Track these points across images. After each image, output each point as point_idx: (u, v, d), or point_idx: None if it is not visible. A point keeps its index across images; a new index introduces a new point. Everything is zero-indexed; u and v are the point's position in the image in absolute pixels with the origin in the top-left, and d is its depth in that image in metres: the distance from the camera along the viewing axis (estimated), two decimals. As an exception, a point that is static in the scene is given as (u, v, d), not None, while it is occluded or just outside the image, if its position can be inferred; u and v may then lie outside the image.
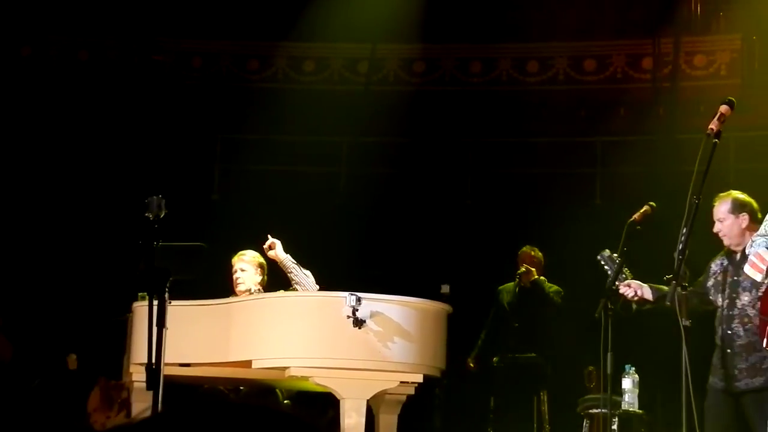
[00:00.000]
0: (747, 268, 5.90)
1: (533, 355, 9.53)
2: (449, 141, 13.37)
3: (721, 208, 6.37)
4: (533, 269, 9.54)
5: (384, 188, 12.79)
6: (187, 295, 6.33)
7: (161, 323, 5.21)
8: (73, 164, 12.77)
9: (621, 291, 6.27)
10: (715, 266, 6.52)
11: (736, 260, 6.32)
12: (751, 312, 6.03)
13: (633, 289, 6.28)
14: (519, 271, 9.60)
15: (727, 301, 6.28)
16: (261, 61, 14.13)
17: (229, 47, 14.06)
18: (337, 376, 6.34)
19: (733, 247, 6.39)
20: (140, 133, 12.95)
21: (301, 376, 6.45)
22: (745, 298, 6.27)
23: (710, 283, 6.48)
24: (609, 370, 6.21)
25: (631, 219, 6.53)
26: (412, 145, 13.32)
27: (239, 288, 7.61)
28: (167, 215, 5.49)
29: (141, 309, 6.42)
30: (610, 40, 14.02)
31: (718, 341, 6.37)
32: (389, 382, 6.47)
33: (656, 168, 12.36)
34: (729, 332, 6.22)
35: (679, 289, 5.60)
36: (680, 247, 5.49)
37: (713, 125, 5.64)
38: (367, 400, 6.43)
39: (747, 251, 5.97)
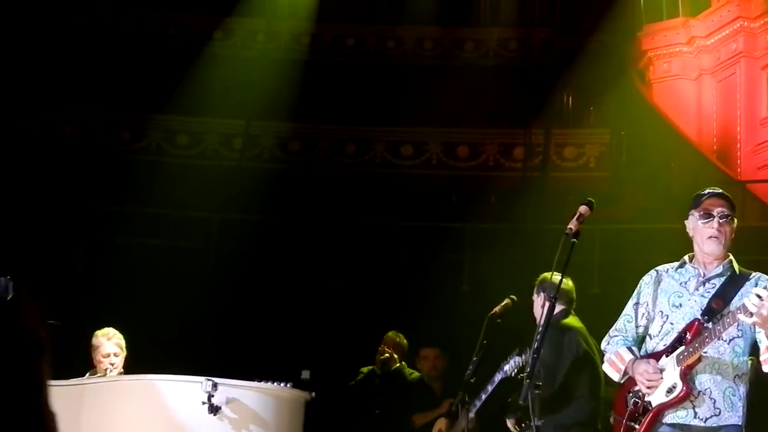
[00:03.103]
0: (605, 366, 5.95)
1: (394, 442, 9.43)
2: (321, 221, 13.34)
3: None
4: (396, 356, 9.50)
5: (253, 267, 12.65)
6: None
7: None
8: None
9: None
10: None
11: None
12: None
13: None
14: (381, 356, 9.53)
15: None
16: (134, 132, 13.95)
17: (101, 116, 13.85)
18: (190, 463, 6.21)
19: None
20: (5, 201, 12.62)
21: (152, 463, 6.29)
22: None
23: None
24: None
25: (492, 312, 6.59)
26: (283, 224, 13.25)
27: (113, 373, 7.33)
28: (35, 284, 5.34)
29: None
30: (483, 128, 14.24)
31: None
32: (243, 470, 6.36)
33: (524, 256, 12.51)
34: None
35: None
36: (535, 346, 5.51)
37: (572, 225, 5.68)
38: (220, 490, 6.29)
39: (603, 348, 6.01)
